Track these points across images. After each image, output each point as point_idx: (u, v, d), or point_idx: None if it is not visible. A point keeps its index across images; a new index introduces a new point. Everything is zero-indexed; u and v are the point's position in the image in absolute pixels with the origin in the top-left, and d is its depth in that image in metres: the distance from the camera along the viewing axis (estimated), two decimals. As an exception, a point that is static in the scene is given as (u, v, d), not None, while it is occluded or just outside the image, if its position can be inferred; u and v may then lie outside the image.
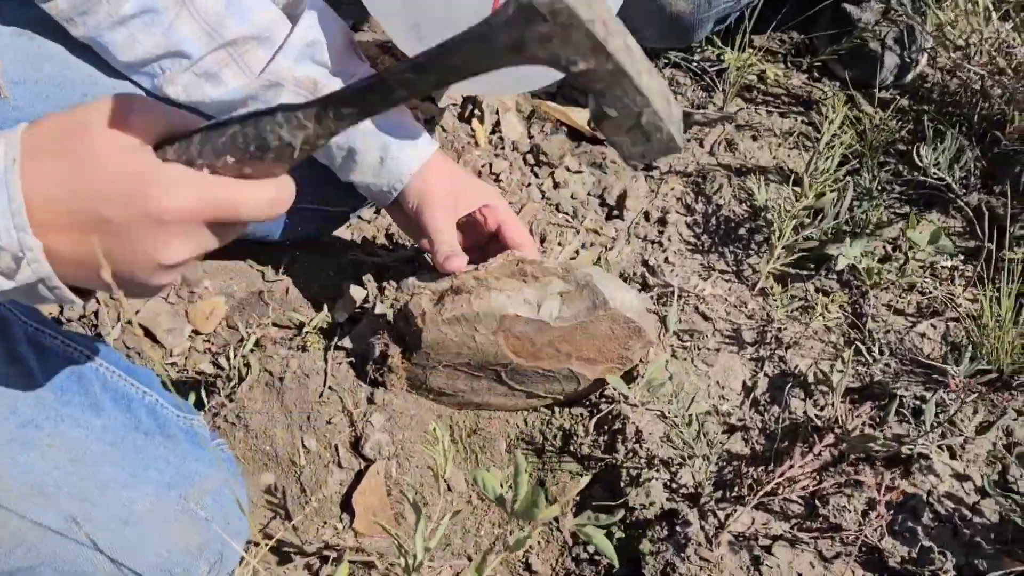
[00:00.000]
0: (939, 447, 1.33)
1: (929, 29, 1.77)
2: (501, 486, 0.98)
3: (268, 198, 0.81)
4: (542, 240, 1.65)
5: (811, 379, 1.45)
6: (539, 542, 1.41)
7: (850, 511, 1.28)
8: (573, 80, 0.74)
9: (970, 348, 1.37)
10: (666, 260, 1.65)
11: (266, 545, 1.26)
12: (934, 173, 1.59)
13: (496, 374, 1.41)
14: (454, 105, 1.78)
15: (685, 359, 1.51)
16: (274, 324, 1.52)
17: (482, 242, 1.48)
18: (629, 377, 1.44)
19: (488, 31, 0.74)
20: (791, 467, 1.29)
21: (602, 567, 1.36)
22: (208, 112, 1.39)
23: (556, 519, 1.41)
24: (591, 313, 1.34)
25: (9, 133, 0.77)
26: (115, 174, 0.76)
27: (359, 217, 1.67)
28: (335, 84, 1.37)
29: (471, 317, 1.34)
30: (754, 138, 1.87)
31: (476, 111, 1.74)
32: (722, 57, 2.01)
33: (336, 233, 1.65)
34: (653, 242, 1.69)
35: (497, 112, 1.77)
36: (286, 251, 1.61)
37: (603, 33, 0.70)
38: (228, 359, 1.45)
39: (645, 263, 1.65)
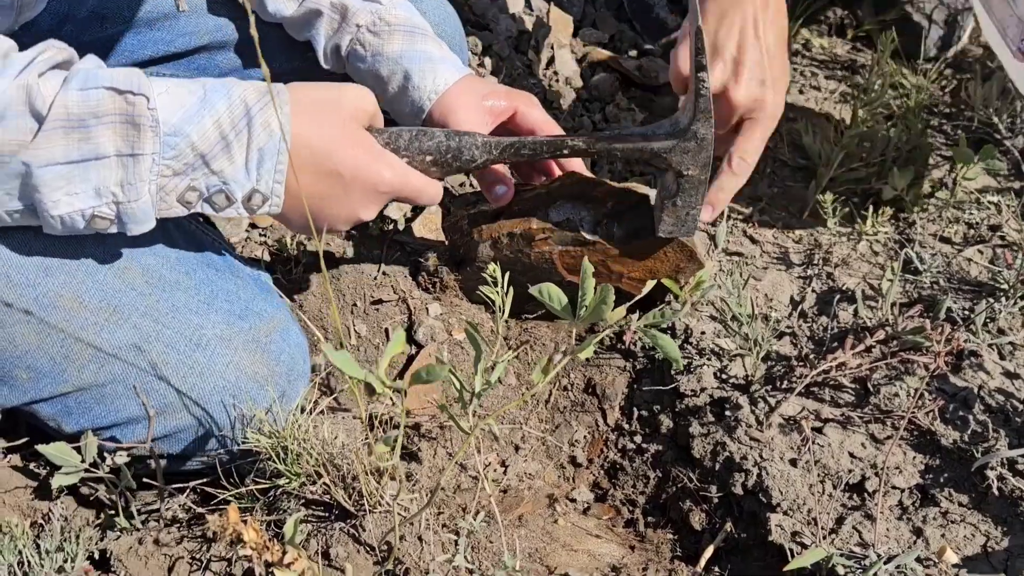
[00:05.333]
0: (990, 346, 1.34)
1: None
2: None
3: (436, 192, 1.20)
4: (593, 165, 1.68)
5: (859, 295, 1.46)
6: (584, 436, 1.41)
7: (901, 397, 1.28)
8: (672, 178, 1.25)
9: (1019, 256, 1.39)
10: (715, 187, 1.68)
11: (318, 411, 1.27)
12: (981, 110, 1.62)
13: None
14: (510, 37, 1.83)
15: (733, 274, 1.52)
16: (331, 219, 1.55)
17: None
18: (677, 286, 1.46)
19: (651, 135, 1.22)
20: (842, 354, 1.30)
21: (648, 456, 1.36)
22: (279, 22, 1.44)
23: (601, 414, 1.42)
24: (646, 235, 1.36)
25: (280, 103, 1.05)
26: (355, 146, 1.11)
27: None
28: (362, 9, 1.38)
29: (526, 234, 1.37)
30: (800, 92, 1.91)
31: (533, 42, 1.78)
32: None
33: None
34: (701, 175, 1.72)
35: (552, 48, 1.81)
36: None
37: (712, 158, 1.22)
38: (286, 243, 1.48)
39: (694, 190, 1.68)
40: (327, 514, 1.10)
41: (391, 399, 1.35)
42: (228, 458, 1.15)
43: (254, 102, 1.03)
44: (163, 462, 1.16)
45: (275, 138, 1.03)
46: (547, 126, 1.39)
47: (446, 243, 1.48)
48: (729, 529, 1.25)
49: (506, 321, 1.48)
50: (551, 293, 1.03)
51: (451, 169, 1.21)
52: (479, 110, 1.35)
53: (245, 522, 0.94)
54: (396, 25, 1.36)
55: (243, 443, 1.10)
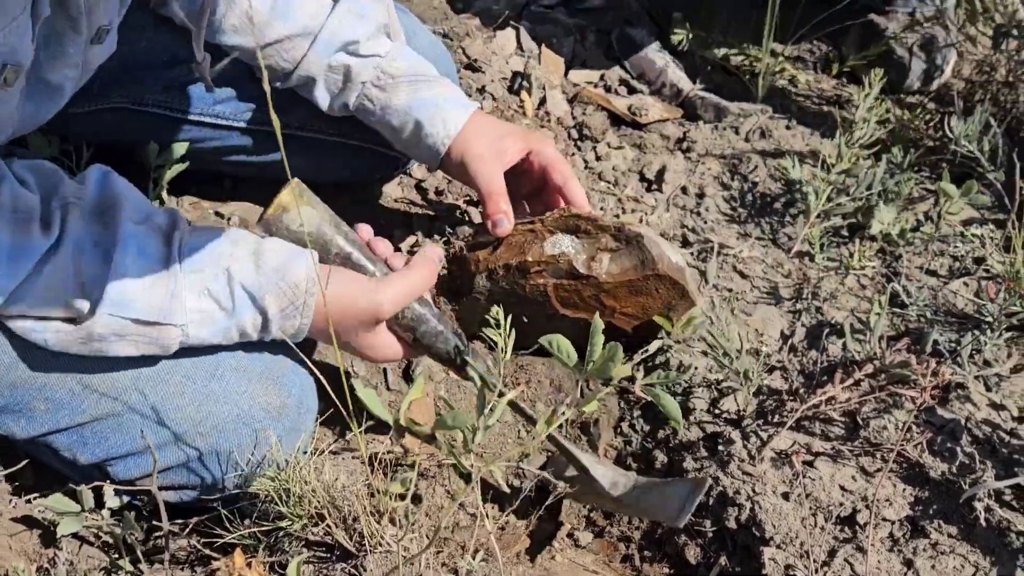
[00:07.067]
0: (976, 378, 1.37)
1: (958, 22, 1.86)
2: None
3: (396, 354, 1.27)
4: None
5: (847, 329, 1.49)
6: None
7: (889, 430, 1.31)
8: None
9: (1003, 288, 1.42)
10: (705, 223, 1.71)
11: (320, 452, 1.29)
12: (964, 145, 1.66)
13: (540, 322, 1.44)
14: (504, 79, 1.87)
15: (724, 310, 1.55)
16: (328, 261, 1.58)
17: (537, 187, 1.49)
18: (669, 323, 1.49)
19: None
20: (831, 388, 1.32)
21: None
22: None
23: (595, 450, 1.44)
24: (639, 271, 1.39)
25: (305, 317, 1.16)
26: (357, 340, 1.22)
27: (408, 174, 1.74)
28: (365, 66, 1.43)
29: (521, 266, 1.40)
30: (788, 127, 1.95)
31: (525, 83, 1.82)
32: (754, 64, 2.10)
33: (386, 187, 1.71)
34: (691, 211, 1.75)
35: (544, 88, 1.85)
36: (340, 196, 1.66)
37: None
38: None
39: (684, 227, 1.71)
40: (328, 555, 1.12)
41: (395, 439, 1.37)
42: (232, 497, 1.17)
43: (276, 314, 1.13)
44: (170, 494, 1.18)
45: (288, 336, 1.16)
46: (559, 164, 1.45)
47: (444, 273, 1.50)
48: (723, 563, 1.27)
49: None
50: (560, 345, 1.06)
51: (442, 359, 1.30)
52: (493, 154, 1.41)
53: (250, 565, 0.97)
54: (399, 77, 1.41)
55: (247, 485, 1.12)
